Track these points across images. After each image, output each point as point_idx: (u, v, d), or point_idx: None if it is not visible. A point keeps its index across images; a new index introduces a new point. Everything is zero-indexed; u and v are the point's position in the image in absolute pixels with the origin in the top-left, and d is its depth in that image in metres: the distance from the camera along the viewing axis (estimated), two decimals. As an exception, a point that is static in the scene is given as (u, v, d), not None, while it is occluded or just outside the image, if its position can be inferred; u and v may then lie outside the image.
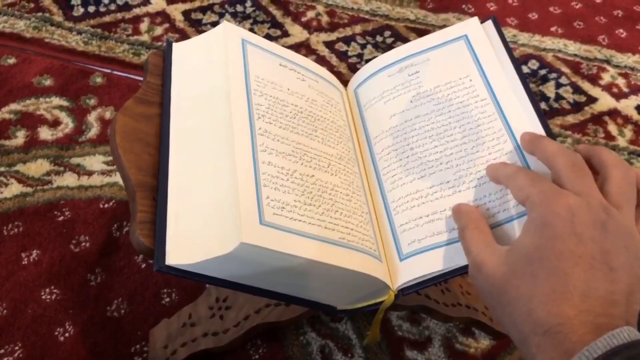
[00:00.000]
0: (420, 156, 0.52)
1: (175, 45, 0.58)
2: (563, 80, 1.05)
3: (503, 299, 0.37)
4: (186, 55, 0.57)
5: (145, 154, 0.50)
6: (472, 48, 0.56)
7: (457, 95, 0.54)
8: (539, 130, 0.49)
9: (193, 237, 0.44)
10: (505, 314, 0.37)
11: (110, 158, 0.85)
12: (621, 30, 1.15)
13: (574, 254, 0.35)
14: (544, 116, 0.50)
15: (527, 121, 0.50)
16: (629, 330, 0.32)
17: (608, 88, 1.04)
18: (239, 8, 1.13)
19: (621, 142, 0.96)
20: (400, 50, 0.59)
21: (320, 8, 1.14)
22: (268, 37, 1.07)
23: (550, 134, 0.49)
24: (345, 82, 0.64)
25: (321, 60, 1.04)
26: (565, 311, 0.33)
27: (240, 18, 1.11)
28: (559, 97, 1.02)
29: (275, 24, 1.11)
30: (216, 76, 0.53)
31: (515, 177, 0.41)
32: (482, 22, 0.57)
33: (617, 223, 0.36)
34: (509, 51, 0.55)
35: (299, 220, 0.45)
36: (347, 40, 1.09)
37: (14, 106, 0.92)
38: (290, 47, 1.05)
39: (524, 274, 0.36)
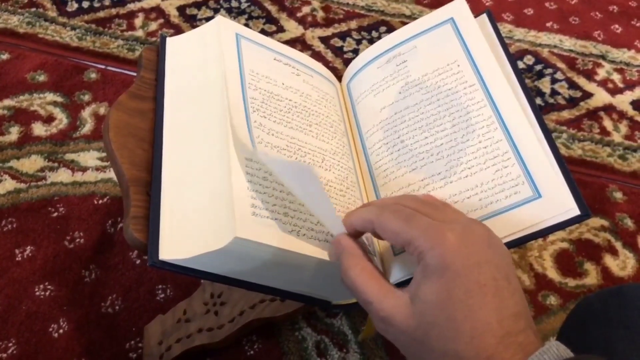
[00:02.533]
0: (411, 148, 0.52)
1: (169, 40, 0.58)
2: (558, 75, 1.05)
3: (425, 348, 0.36)
4: (180, 50, 0.57)
5: (139, 149, 0.50)
6: (459, 31, 0.55)
7: (445, 82, 0.53)
8: (532, 122, 0.49)
9: (187, 232, 0.44)
10: None
11: (104, 154, 0.85)
12: (616, 26, 1.15)
13: (480, 284, 0.34)
14: (540, 111, 0.50)
15: (516, 105, 0.49)
16: (557, 345, 0.32)
17: (603, 83, 1.04)
18: (234, 3, 1.12)
19: (616, 137, 0.96)
20: (388, 40, 0.59)
21: (315, 3, 1.14)
22: (263, 32, 1.07)
23: (545, 129, 0.48)
24: (340, 78, 0.63)
25: (317, 56, 1.04)
26: (490, 341, 0.33)
27: (235, 13, 1.11)
28: (554, 93, 1.02)
29: (271, 20, 1.10)
30: (210, 70, 0.52)
31: (382, 221, 0.38)
32: (476, 16, 0.57)
33: (493, 235, 0.37)
34: (504, 46, 0.54)
35: (292, 216, 0.45)
36: (343, 35, 1.09)
37: (7, 102, 0.91)
38: (286, 42, 1.05)
39: (441, 321, 0.35)
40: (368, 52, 0.60)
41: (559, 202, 0.45)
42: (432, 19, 0.57)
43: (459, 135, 0.50)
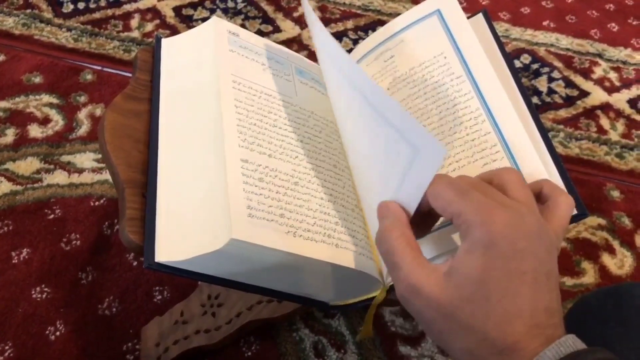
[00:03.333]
0: None
1: (164, 41, 0.57)
2: (555, 74, 1.05)
3: (453, 324, 0.35)
4: (175, 51, 0.56)
5: (134, 150, 0.50)
6: (446, 23, 0.54)
7: (432, 75, 0.53)
8: (526, 117, 0.48)
9: (183, 233, 0.44)
10: (455, 339, 0.36)
11: (100, 155, 0.85)
12: (613, 24, 1.15)
13: (520, 271, 0.34)
14: (536, 111, 0.50)
15: (504, 96, 0.49)
16: (573, 338, 0.33)
17: (600, 82, 1.04)
18: (230, 4, 1.12)
19: (613, 135, 0.96)
20: (376, 36, 0.59)
21: (312, 3, 1.14)
22: (259, 32, 1.07)
23: (542, 128, 0.48)
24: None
25: (313, 56, 1.03)
26: (518, 329, 0.33)
27: (231, 14, 1.10)
28: (551, 92, 1.02)
29: (267, 20, 1.10)
30: (205, 71, 0.52)
31: (436, 188, 0.37)
32: (472, 16, 0.57)
33: (546, 229, 0.36)
34: (501, 45, 0.54)
35: (289, 217, 0.45)
36: (339, 35, 1.09)
37: (3, 104, 0.91)
38: (282, 42, 1.05)
39: (476, 298, 0.34)
40: (357, 50, 0.60)
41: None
42: (418, 12, 0.56)
43: (446, 128, 0.50)
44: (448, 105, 0.50)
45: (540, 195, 0.41)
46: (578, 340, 0.33)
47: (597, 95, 1.02)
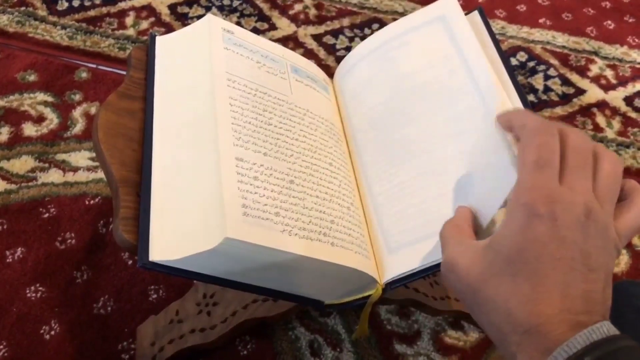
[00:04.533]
0: (403, 145, 0.52)
1: (158, 39, 0.57)
2: (551, 72, 1.05)
3: (479, 298, 0.36)
4: (170, 49, 0.56)
5: (128, 149, 0.50)
6: (450, 28, 0.55)
7: (436, 78, 0.53)
8: (517, 107, 0.48)
9: (177, 232, 0.44)
10: (482, 313, 0.36)
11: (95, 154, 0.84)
12: (609, 22, 1.15)
13: (554, 257, 0.34)
14: (533, 108, 0.50)
15: (508, 104, 0.49)
16: (608, 325, 0.32)
17: (596, 80, 1.04)
18: (226, 1, 1.12)
19: (609, 133, 0.96)
20: (378, 37, 0.58)
21: (307, 1, 1.13)
22: (255, 30, 1.06)
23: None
24: (332, 76, 0.63)
25: (309, 54, 1.04)
26: (545, 311, 0.33)
27: (227, 11, 1.10)
28: (547, 89, 1.02)
29: (263, 17, 1.10)
30: (200, 70, 0.52)
31: (528, 144, 0.37)
32: (468, 13, 0.57)
33: (598, 223, 0.36)
34: (496, 43, 0.54)
35: (284, 216, 0.44)
36: (335, 33, 1.08)
37: (-3, 102, 0.90)
38: (278, 40, 1.05)
39: (503, 274, 0.35)
40: (359, 49, 0.59)
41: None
42: (422, 16, 0.57)
43: (451, 131, 0.50)
44: (452, 109, 0.51)
45: (621, 191, 0.40)
46: (612, 327, 0.32)
47: (593, 93, 1.02)
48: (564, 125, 0.39)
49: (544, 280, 0.34)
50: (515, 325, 0.34)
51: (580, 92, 1.02)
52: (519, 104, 0.50)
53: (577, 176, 0.37)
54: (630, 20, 1.16)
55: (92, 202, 0.80)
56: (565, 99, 1.00)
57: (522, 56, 1.07)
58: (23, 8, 1.06)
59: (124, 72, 0.56)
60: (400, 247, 0.48)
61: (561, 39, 1.11)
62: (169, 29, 1.05)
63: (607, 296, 0.35)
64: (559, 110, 0.98)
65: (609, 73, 1.05)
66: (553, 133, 0.38)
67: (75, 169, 0.83)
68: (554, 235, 0.35)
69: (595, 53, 1.08)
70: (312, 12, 1.12)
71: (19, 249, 0.75)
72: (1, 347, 0.67)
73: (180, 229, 0.44)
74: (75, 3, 1.08)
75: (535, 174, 0.36)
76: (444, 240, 0.41)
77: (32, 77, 0.94)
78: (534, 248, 0.35)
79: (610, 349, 0.31)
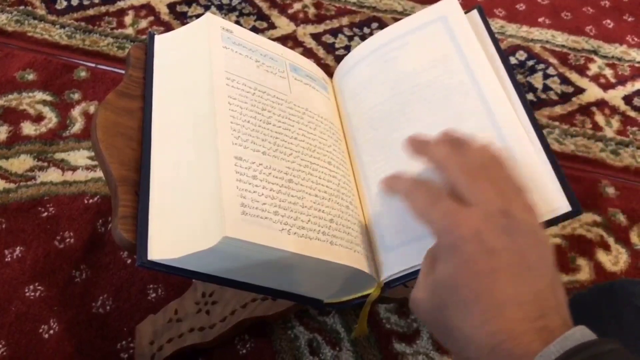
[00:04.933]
0: (401, 144, 0.52)
1: (157, 38, 0.57)
2: (551, 71, 1.04)
3: (441, 329, 0.37)
4: (169, 48, 0.56)
5: (127, 148, 0.49)
6: (451, 29, 0.55)
7: (436, 79, 0.53)
8: (521, 114, 0.48)
9: (176, 231, 0.44)
10: (449, 342, 0.37)
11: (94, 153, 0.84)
12: (608, 21, 1.15)
13: (491, 269, 0.34)
14: (531, 108, 0.50)
15: (507, 104, 0.49)
16: (582, 330, 0.32)
17: (595, 79, 1.04)
18: (225, 0, 1.12)
19: (608, 132, 0.96)
20: (379, 37, 0.58)
21: (306, 0, 1.13)
22: (254, 29, 1.06)
23: (536, 125, 0.48)
24: (332, 75, 0.63)
25: (308, 53, 1.04)
26: (503, 326, 0.33)
27: (226, 10, 1.10)
28: (546, 88, 1.02)
29: (262, 16, 1.10)
30: (198, 69, 0.52)
31: (414, 196, 0.40)
32: (467, 12, 0.57)
33: (518, 221, 0.36)
34: (495, 42, 0.54)
35: (282, 215, 0.44)
36: (334, 32, 1.08)
37: (-4, 101, 0.90)
38: (277, 39, 1.04)
39: (451, 304, 0.35)
40: (359, 50, 0.59)
41: (550, 199, 0.45)
42: (423, 17, 0.57)
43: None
44: (453, 110, 0.51)
45: None
46: (588, 331, 0.32)
47: (593, 92, 1.02)
48: (447, 152, 0.41)
49: (491, 297, 0.34)
50: (480, 349, 0.34)
51: (580, 91, 1.02)
52: (518, 103, 0.50)
53: (476, 191, 0.38)
54: (630, 19, 1.16)
55: (91, 201, 0.80)
56: (564, 98, 1.00)
57: (521, 55, 1.07)
58: (22, 7, 1.06)
59: (123, 71, 0.56)
60: (399, 246, 0.48)
61: (560, 38, 1.11)
62: (168, 28, 1.05)
63: (557, 291, 0.35)
64: (558, 110, 0.98)
65: (608, 72, 1.05)
66: (459, 157, 0.40)
67: (74, 168, 0.83)
68: (483, 249, 0.35)
69: (595, 52, 1.08)
70: (311, 11, 1.12)
71: (18, 248, 0.75)
72: (0, 346, 0.67)
73: (179, 227, 0.44)
74: (74, 2, 1.08)
75: (434, 213, 0.38)
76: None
77: (31, 76, 0.94)
78: (470, 268, 0.35)
79: (585, 355, 0.30)
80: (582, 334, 0.32)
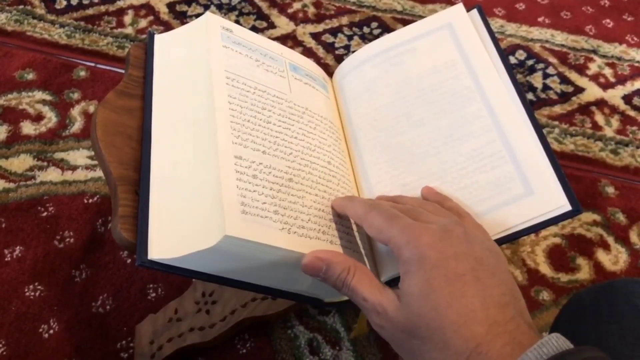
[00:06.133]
0: (405, 147, 0.52)
1: (157, 37, 0.57)
2: (550, 70, 1.05)
3: (415, 340, 0.36)
4: (168, 47, 0.56)
5: (127, 147, 0.49)
6: (457, 36, 0.55)
7: (441, 83, 0.53)
8: (524, 119, 0.49)
9: (176, 230, 0.43)
10: (423, 354, 0.36)
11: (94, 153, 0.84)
12: (608, 20, 1.15)
13: (458, 273, 0.35)
14: (531, 108, 0.50)
15: (511, 105, 0.49)
16: (557, 337, 0.32)
17: (595, 78, 1.04)
18: (225, 0, 1.12)
19: (608, 131, 0.96)
20: (384, 41, 0.59)
21: (306, -1, 1.14)
22: (254, 28, 1.06)
23: (536, 125, 0.48)
24: (332, 75, 0.63)
25: (308, 52, 1.04)
26: (477, 330, 0.33)
27: (225, 10, 1.10)
28: (546, 88, 1.02)
29: (262, 16, 1.10)
30: (198, 68, 0.52)
31: (369, 218, 0.41)
32: (467, 11, 0.57)
33: (472, 233, 0.38)
34: (495, 41, 0.54)
35: (283, 214, 0.44)
36: (334, 31, 1.08)
37: (-5, 101, 0.90)
38: (277, 38, 1.04)
39: (426, 312, 0.35)
40: (363, 51, 0.59)
41: (550, 199, 0.45)
42: (429, 23, 0.57)
43: (455, 135, 0.50)
44: (456, 114, 0.51)
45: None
46: (563, 339, 0.32)
47: (592, 92, 1.02)
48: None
49: (463, 301, 0.34)
50: (456, 355, 0.34)
51: (579, 90, 1.02)
52: (518, 103, 0.50)
53: (427, 210, 0.41)
54: (629, 19, 1.16)
55: (90, 200, 0.80)
56: (564, 97, 1.01)
57: (521, 54, 1.07)
58: (21, 6, 1.06)
59: (123, 71, 0.56)
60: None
61: (560, 38, 1.11)
62: (168, 27, 1.05)
63: (518, 298, 0.36)
64: (558, 109, 0.99)
65: (607, 71, 1.05)
66: (374, 204, 0.43)
67: (73, 168, 0.83)
68: (448, 255, 0.36)
69: (594, 51, 1.08)
70: (311, 10, 1.12)
71: (18, 247, 0.75)
72: (0, 345, 0.67)
73: (179, 227, 0.43)
74: (74, 1, 1.08)
75: (392, 229, 0.39)
76: (358, 289, 0.40)
77: (30, 76, 0.94)
78: (440, 273, 0.36)
79: None
80: (557, 341, 0.32)
